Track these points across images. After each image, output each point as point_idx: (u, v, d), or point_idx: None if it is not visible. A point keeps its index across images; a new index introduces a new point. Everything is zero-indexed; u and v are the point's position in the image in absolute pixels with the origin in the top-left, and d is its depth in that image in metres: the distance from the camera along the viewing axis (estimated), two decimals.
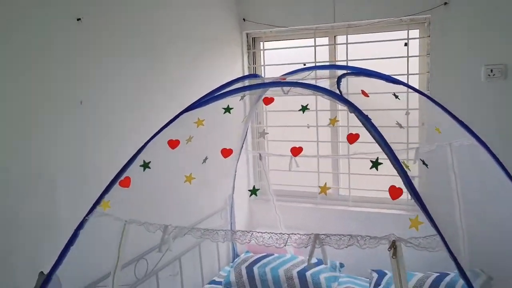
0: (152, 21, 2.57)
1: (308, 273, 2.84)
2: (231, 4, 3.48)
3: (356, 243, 1.33)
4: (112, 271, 1.68)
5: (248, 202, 3.82)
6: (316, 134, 3.53)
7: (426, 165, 1.70)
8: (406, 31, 3.18)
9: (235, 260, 3.21)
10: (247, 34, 3.66)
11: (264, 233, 1.50)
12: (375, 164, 1.39)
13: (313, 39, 3.48)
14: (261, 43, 3.68)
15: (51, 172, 1.93)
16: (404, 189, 1.41)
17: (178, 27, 2.83)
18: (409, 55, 3.17)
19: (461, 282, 2.55)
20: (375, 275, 2.78)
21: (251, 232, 1.51)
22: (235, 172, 3.12)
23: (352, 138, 1.49)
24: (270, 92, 2.01)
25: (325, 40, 3.49)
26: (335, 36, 3.44)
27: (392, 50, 3.23)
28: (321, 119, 3.50)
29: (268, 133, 2.47)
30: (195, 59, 3.02)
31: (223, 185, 3.21)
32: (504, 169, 2.30)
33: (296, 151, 1.68)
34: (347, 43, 3.34)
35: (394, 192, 1.34)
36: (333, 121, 1.64)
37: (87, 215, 1.68)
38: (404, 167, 1.39)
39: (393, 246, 1.26)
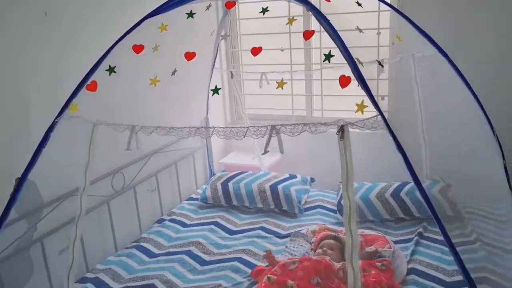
0: None
1: (279, 186, 3.00)
2: None
3: (308, 129, 1.43)
4: (83, 170, 1.77)
5: (224, 125, 3.90)
6: (289, 57, 3.55)
7: (382, 66, 1.78)
8: None
9: (211, 178, 3.35)
10: None
11: (226, 127, 1.58)
12: (328, 56, 1.46)
13: None
14: None
15: (19, 80, 1.97)
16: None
17: None
18: None
19: None
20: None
21: (213, 127, 1.60)
22: (208, 93, 3.17)
23: (308, 34, 1.54)
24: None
25: None
26: None
27: None
28: (294, 42, 3.52)
29: (230, 35, 2.47)
30: None
31: (197, 105, 3.27)
32: (465, 80, 2.41)
33: (255, 51, 1.74)
34: None
35: (344, 81, 1.42)
36: (291, 21, 1.68)
37: (56, 117, 1.74)
38: (357, 62, 1.46)
39: (341, 129, 1.36)
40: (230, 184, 3.10)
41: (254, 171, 3.28)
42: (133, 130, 1.67)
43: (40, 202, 2.16)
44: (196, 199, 3.22)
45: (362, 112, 1.36)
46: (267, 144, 1.48)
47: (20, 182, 1.79)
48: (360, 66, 1.48)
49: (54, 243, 2.22)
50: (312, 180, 3.24)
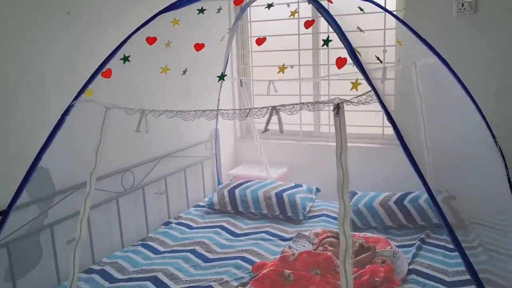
0: None
1: (285, 194, 3.05)
2: None
3: (306, 107, 1.52)
4: (94, 152, 1.86)
5: (234, 140, 4.01)
6: (298, 69, 3.67)
7: (381, 61, 1.86)
8: None
9: (219, 186, 3.42)
10: None
11: (229, 110, 1.68)
12: (326, 41, 1.56)
13: None
14: None
15: (40, 69, 2.14)
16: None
17: None
18: None
19: (424, 196, 2.75)
20: None
21: (218, 110, 1.69)
22: (218, 101, 3.28)
23: (309, 23, 1.65)
24: None
25: None
26: None
27: None
28: (304, 53, 3.65)
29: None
30: None
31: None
32: (467, 90, 2.48)
33: (260, 41, 1.85)
34: None
35: (340, 62, 1.52)
36: (293, 13, 1.80)
37: (72, 101, 1.85)
38: (356, 51, 1.55)
39: (337, 107, 1.44)
40: (236, 191, 3.16)
41: (261, 180, 3.34)
42: (143, 113, 1.77)
43: (52, 190, 2.25)
44: (203, 206, 3.28)
45: (357, 89, 1.45)
46: (268, 123, 1.56)
47: (34, 162, 1.88)
48: (358, 54, 1.57)
49: (63, 232, 2.30)
50: (318, 190, 3.28)
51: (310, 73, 3.69)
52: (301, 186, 3.21)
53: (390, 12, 2.46)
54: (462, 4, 3.03)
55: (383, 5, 3.26)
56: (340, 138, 1.41)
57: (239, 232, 2.85)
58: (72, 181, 2.32)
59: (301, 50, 3.64)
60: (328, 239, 2.33)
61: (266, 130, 1.55)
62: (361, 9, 2.17)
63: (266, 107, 1.59)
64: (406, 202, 2.75)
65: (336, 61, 1.51)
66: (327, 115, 3.74)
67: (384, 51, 3.20)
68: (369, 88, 1.43)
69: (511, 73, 3.01)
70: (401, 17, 3.23)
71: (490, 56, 3.03)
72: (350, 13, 2.49)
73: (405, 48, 2.44)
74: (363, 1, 2.28)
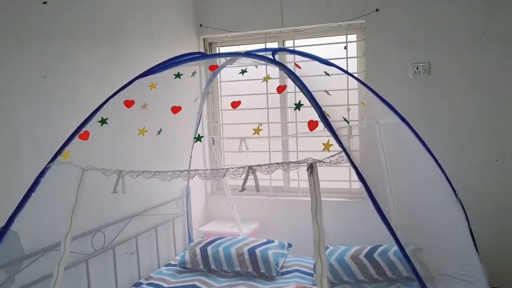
0: (114, 15, 2.84)
1: (257, 250, 3.06)
2: (188, 11, 3.79)
3: (281, 167, 1.59)
4: (70, 214, 1.85)
5: (205, 196, 4.03)
6: (267, 128, 3.80)
7: (348, 122, 1.99)
8: (345, 36, 3.57)
9: (190, 244, 3.39)
10: (204, 39, 3.96)
11: (206, 170, 1.73)
12: (298, 105, 1.67)
13: (264, 44, 3.81)
14: (217, 48, 3.99)
15: (15, 131, 2.14)
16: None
17: (138, 30, 3.09)
18: (348, 56, 3.55)
19: (393, 249, 2.83)
20: None
21: (196, 170, 1.74)
22: (190, 158, 3.33)
23: (281, 89, 1.77)
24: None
25: (275, 45, 3.84)
26: (283, 41, 3.80)
27: (334, 53, 3.60)
28: (272, 110, 3.80)
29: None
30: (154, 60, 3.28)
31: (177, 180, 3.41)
32: (427, 147, 2.64)
33: (235, 104, 1.94)
34: (293, 47, 3.70)
35: (312, 125, 1.62)
36: (266, 79, 1.92)
37: (48, 163, 1.86)
38: (325, 114, 1.67)
39: (310, 167, 1.52)
40: (209, 248, 3.14)
41: (233, 237, 3.34)
42: (120, 174, 1.80)
43: (20, 254, 2.18)
44: (175, 265, 3.22)
45: (328, 150, 1.54)
46: (245, 182, 1.62)
47: (6, 226, 1.85)
48: (327, 116, 1.68)
49: None
50: (290, 245, 3.31)
51: (279, 130, 3.82)
52: (273, 241, 3.23)
53: (352, 75, 2.63)
54: (417, 68, 3.29)
55: (345, 68, 3.53)
56: (314, 196, 1.48)
57: None
58: (41, 243, 2.26)
59: (270, 109, 3.79)
60: None
61: (243, 189, 1.61)
62: (327, 74, 2.33)
63: (242, 167, 1.65)
64: (376, 255, 2.82)
65: (308, 124, 1.61)
66: (295, 171, 3.84)
67: (348, 109, 3.40)
68: (339, 149, 1.53)
69: (465, 129, 3.24)
70: (362, 79, 3.47)
71: (445, 113, 3.27)
72: (317, 75, 2.66)
73: (368, 107, 2.61)
74: (328, 66, 2.45)
